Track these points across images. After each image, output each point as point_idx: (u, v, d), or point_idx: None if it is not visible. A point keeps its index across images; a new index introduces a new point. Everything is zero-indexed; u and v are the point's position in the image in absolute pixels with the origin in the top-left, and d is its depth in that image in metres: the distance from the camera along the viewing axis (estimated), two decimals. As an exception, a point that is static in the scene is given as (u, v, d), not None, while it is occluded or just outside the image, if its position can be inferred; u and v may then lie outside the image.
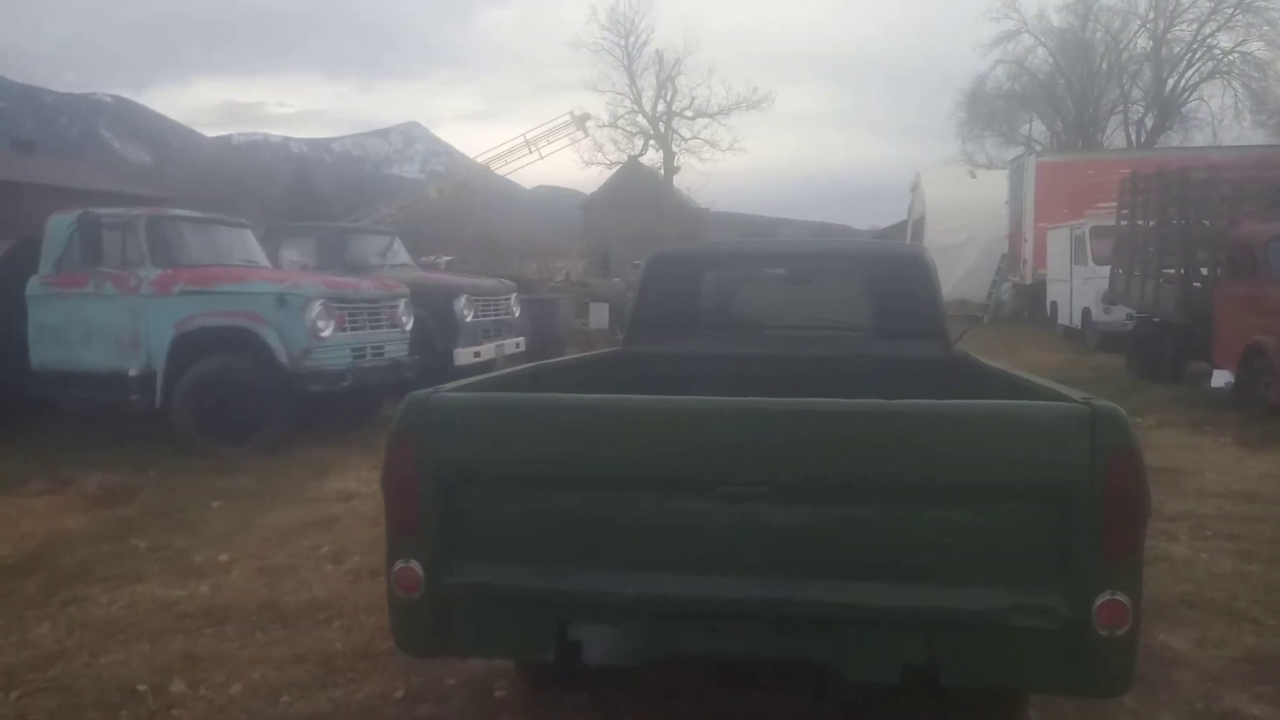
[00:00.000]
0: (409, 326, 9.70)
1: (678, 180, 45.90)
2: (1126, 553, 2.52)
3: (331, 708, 3.73)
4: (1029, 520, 2.57)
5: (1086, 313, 17.45)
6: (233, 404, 8.10)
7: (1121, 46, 40.64)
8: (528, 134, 32.81)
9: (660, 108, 44.64)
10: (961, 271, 27.82)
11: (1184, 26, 39.12)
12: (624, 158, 45.58)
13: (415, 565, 2.83)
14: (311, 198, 50.73)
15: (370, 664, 4.11)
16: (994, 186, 27.09)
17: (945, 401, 2.66)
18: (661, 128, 44.69)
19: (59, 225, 8.63)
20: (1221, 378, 10.46)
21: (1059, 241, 19.42)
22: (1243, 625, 4.58)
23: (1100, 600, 2.51)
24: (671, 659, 2.80)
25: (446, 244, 29.23)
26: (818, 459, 2.62)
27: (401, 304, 9.58)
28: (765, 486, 2.62)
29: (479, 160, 33.51)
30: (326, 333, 8.22)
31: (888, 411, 2.63)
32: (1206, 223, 11.27)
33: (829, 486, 2.64)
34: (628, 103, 44.85)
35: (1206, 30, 38.36)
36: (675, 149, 44.88)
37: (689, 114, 44.46)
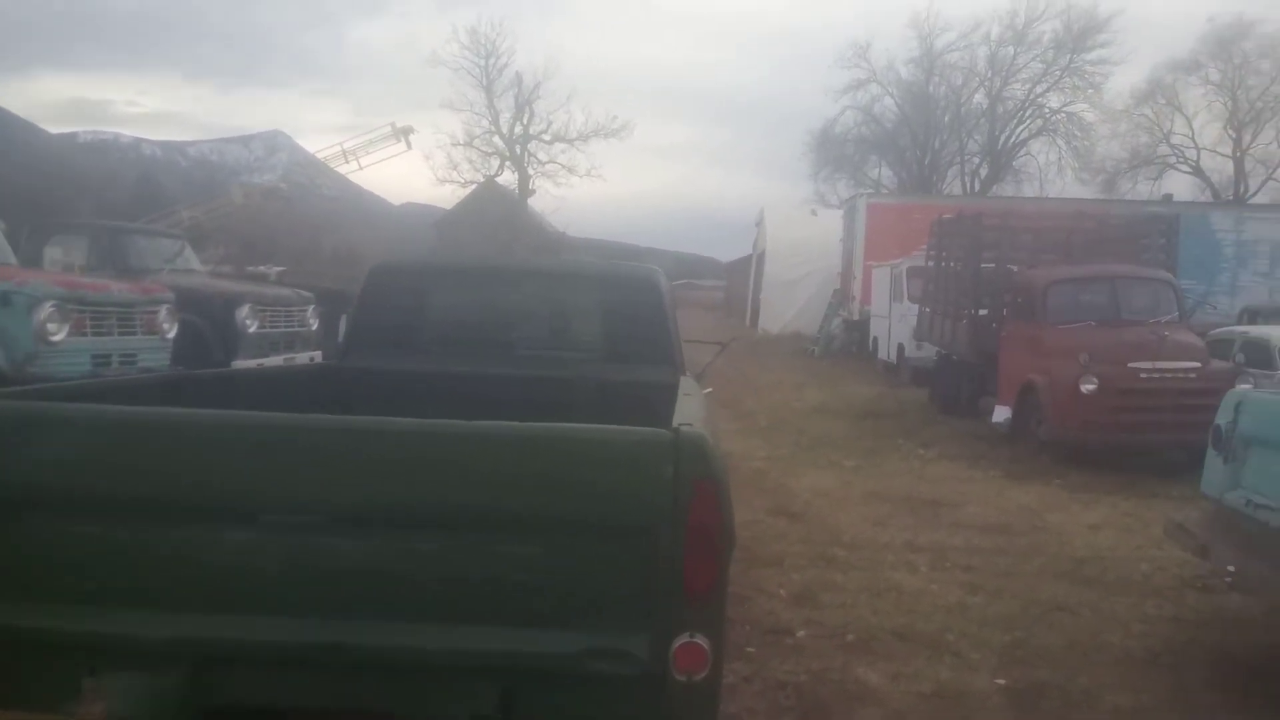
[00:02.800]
0: (171, 334, 9.00)
1: (534, 203, 45.65)
2: (708, 592, 2.32)
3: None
4: (606, 555, 2.34)
5: (901, 348, 17.98)
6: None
7: (961, 101, 42.85)
8: (345, 143, 31.60)
9: (517, 130, 44.37)
10: (798, 306, 28.56)
11: (1017, 85, 41.60)
12: (480, 177, 45.06)
13: None
14: (155, 201, 47.84)
15: None
16: (833, 225, 27.85)
17: (514, 424, 2.41)
18: (518, 150, 44.39)
19: None
20: (1001, 414, 10.83)
21: (881, 279, 20.03)
22: (944, 658, 4.54)
23: (678, 643, 2.29)
24: (222, 712, 2.43)
25: (299, 255, 27.92)
26: (375, 483, 2.32)
27: (163, 310, 8.89)
28: (315, 514, 2.31)
29: (293, 169, 32.05)
30: (58, 337, 7.49)
31: (450, 432, 2.37)
32: (993, 266, 11.71)
33: (387, 515, 2.35)
34: (485, 123, 44.42)
35: (1038, 90, 40.88)
36: (531, 171, 44.63)
37: (546, 138, 44.33)
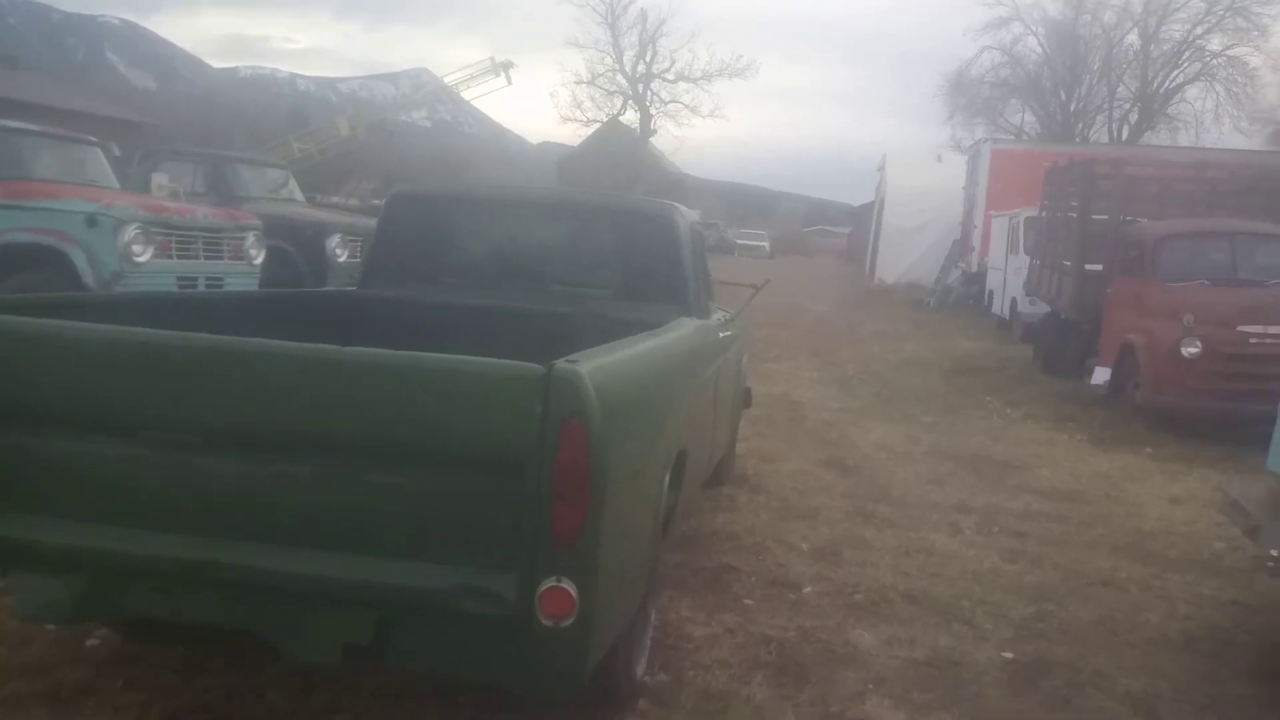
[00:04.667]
0: (258, 260, 9.33)
1: (656, 143, 45.38)
2: (576, 536, 2.22)
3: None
4: (475, 491, 2.27)
5: (1014, 303, 17.14)
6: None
7: (1113, 42, 40.03)
8: (446, 77, 31.80)
9: (640, 69, 43.99)
10: (916, 255, 27.57)
11: (1175, 25, 38.53)
12: (603, 116, 45.04)
13: None
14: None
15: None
16: (958, 172, 26.64)
17: (385, 351, 2.35)
18: (640, 88, 44.06)
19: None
20: (1101, 375, 10.20)
21: (1000, 230, 19.11)
22: (952, 626, 4.31)
23: (544, 587, 2.22)
24: (123, 620, 2.49)
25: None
26: (249, 406, 2.33)
27: (250, 236, 9.21)
28: (189, 433, 2.32)
29: (395, 101, 32.36)
30: (143, 258, 7.84)
31: (320, 358, 2.34)
32: (1106, 218, 10.96)
33: (261, 438, 2.35)
34: (608, 60, 44.20)
35: (1197, 31, 37.78)
36: (653, 111, 44.27)
37: (669, 76, 43.85)
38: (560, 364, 2.24)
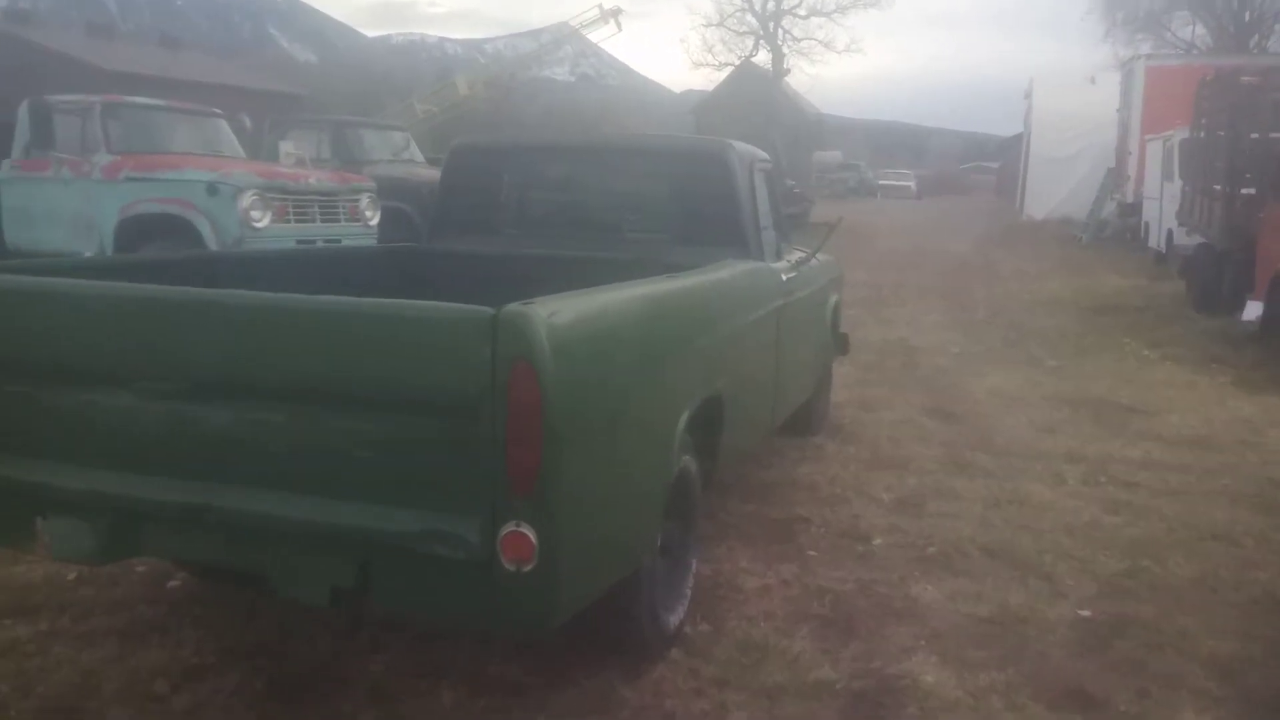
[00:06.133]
0: (373, 221, 9.66)
1: (791, 83, 44.03)
2: (532, 480, 2.21)
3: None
4: (440, 437, 2.28)
5: (1170, 235, 15.92)
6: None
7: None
8: (557, 30, 31.65)
9: (770, 6, 42.62)
10: (1068, 187, 26.02)
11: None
12: (735, 59, 44.02)
13: None
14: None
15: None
16: (1113, 94, 24.84)
17: (338, 298, 2.39)
18: (771, 27, 42.76)
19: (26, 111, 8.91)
20: (1253, 310, 9.40)
21: (1154, 155, 17.72)
22: (1028, 581, 4.08)
23: (505, 531, 2.22)
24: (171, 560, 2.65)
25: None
26: (220, 352, 2.43)
27: (364, 198, 9.53)
28: (177, 382, 2.44)
29: (531, 56, 32.66)
30: (262, 223, 8.24)
31: (277, 306, 2.41)
32: (1258, 137, 9.98)
33: (237, 386, 2.44)
34: (737, 0, 43.05)
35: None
36: (785, 50, 42.94)
37: (801, 12, 42.34)
38: (511, 306, 2.21)
